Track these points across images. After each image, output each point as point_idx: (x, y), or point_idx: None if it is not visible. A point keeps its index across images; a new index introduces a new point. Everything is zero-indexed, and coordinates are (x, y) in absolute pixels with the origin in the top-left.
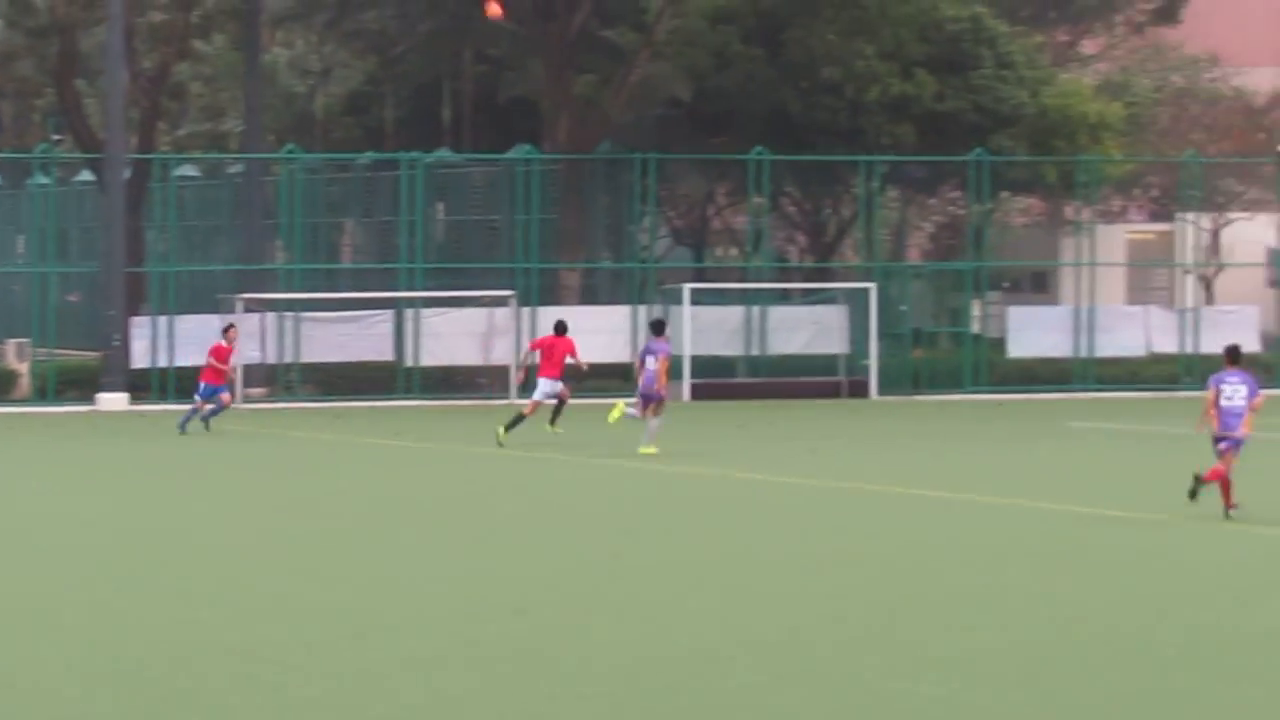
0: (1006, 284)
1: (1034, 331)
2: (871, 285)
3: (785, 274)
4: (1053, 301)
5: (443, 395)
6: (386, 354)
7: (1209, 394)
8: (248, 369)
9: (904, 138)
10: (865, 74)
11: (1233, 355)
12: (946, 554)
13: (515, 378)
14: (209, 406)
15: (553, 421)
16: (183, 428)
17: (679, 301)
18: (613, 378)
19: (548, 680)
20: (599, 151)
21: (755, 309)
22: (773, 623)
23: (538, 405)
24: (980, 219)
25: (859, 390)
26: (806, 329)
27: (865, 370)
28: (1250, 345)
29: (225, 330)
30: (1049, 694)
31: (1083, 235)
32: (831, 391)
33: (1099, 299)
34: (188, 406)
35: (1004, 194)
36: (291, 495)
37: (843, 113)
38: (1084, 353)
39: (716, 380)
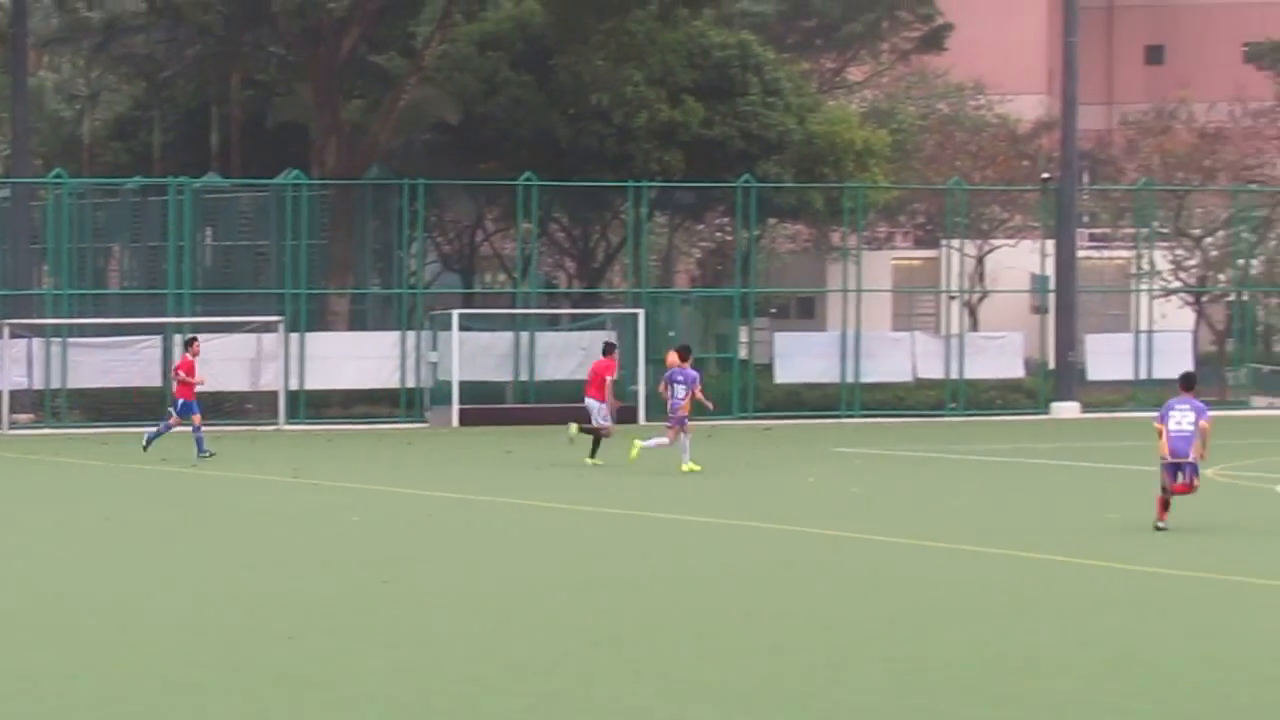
0: (773, 309)
1: (801, 357)
2: (639, 311)
3: (553, 300)
4: (819, 327)
5: (211, 421)
6: (155, 379)
7: (1158, 422)
8: (14, 395)
9: (672, 164)
10: (633, 100)
11: (1186, 382)
12: (715, 577)
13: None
14: (166, 423)
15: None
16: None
17: (447, 327)
18: (381, 404)
19: (317, 706)
20: (367, 176)
21: (524, 335)
22: (541, 647)
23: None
24: (747, 245)
25: (627, 416)
26: (574, 355)
27: (633, 396)
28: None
29: (189, 344)
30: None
31: (849, 261)
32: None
33: (865, 325)
34: None
35: (771, 220)
36: (55, 520)
37: (611, 139)
38: (850, 378)
39: (485, 406)
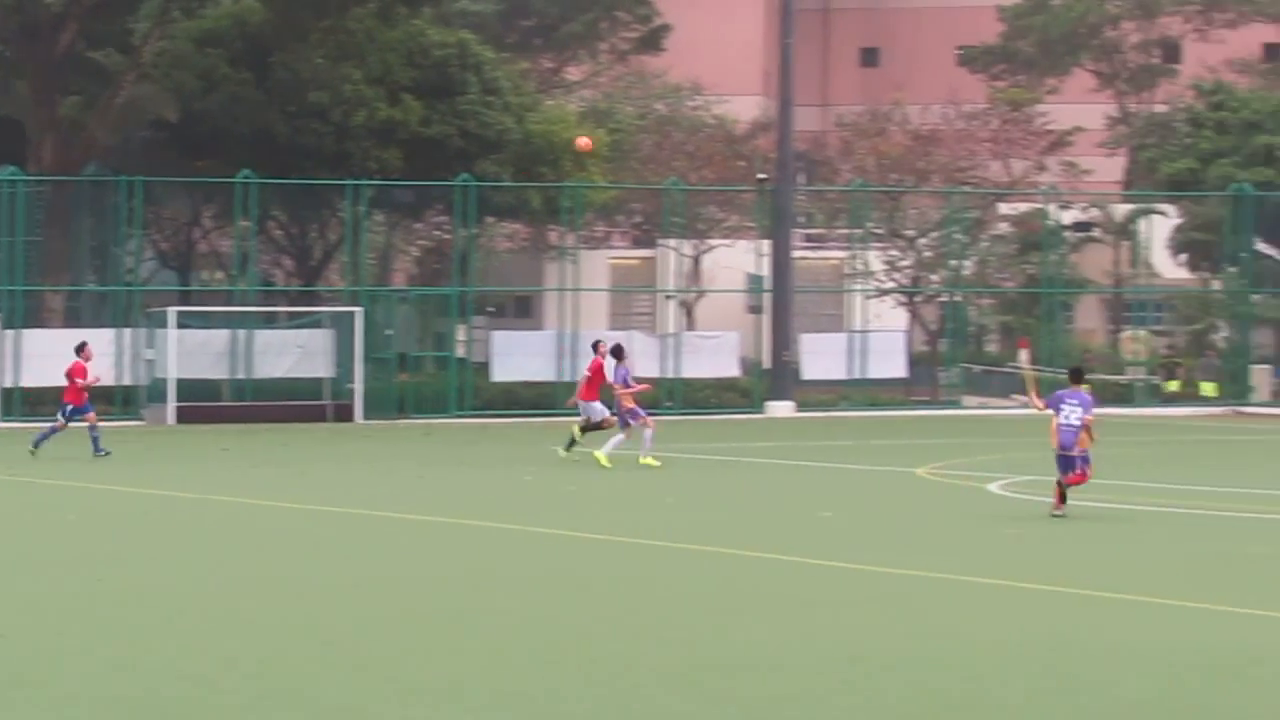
0: (491, 309)
1: (518, 356)
2: (357, 309)
3: (271, 297)
4: (537, 326)
5: None
6: None
7: (1052, 414)
8: None
9: (390, 162)
10: (352, 98)
11: (1075, 376)
12: (430, 576)
13: None
14: (54, 426)
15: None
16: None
17: (164, 325)
18: (97, 401)
19: (31, 705)
20: (85, 173)
21: (241, 332)
22: (256, 645)
23: (611, 421)
24: (465, 244)
25: (344, 414)
26: (292, 353)
27: (350, 394)
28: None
29: (80, 348)
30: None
31: (566, 261)
32: (317, 415)
33: (583, 324)
34: None
35: (489, 219)
36: None
37: (329, 137)
38: (567, 377)
39: (201, 404)
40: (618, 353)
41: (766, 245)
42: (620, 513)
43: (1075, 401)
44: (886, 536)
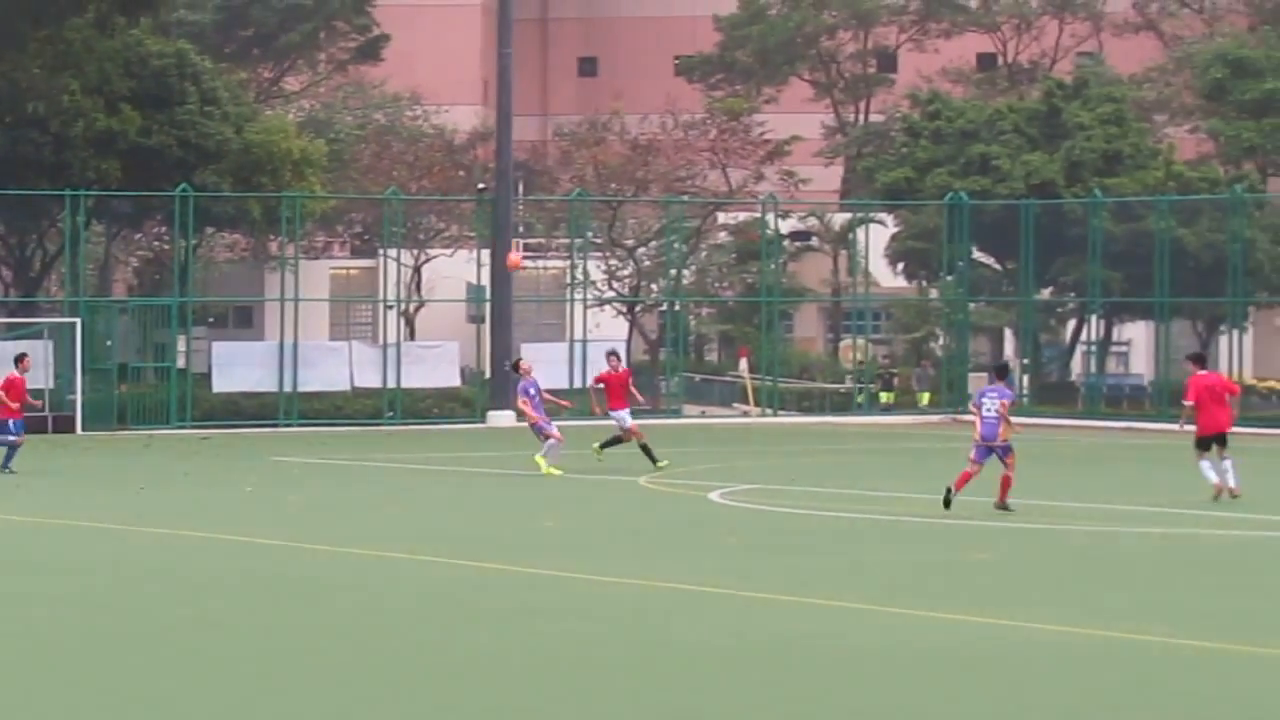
0: (212, 319)
1: (239, 366)
2: (77, 320)
3: None
4: (258, 336)
5: None
6: None
7: (973, 407)
8: None
9: (109, 172)
10: (70, 109)
11: (999, 371)
12: (149, 588)
13: None
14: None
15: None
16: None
17: None
18: None
19: None
20: None
21: None
22: None
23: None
24: (185, 254)
25: (65, 425)
26: (5, 364)
27: (71, 405)
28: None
29: (18, 359)
30: None
31: (287, 271)
32: (37, 426)
33: (303, 334)
34: None
35: (209, 229)
36: None
37: (48, 147)
38: (288, 387)
39: None
40: (516, 367)
41: (487, 255)
42: (342, 523)
43: (994, 394)
44: (608, 545)
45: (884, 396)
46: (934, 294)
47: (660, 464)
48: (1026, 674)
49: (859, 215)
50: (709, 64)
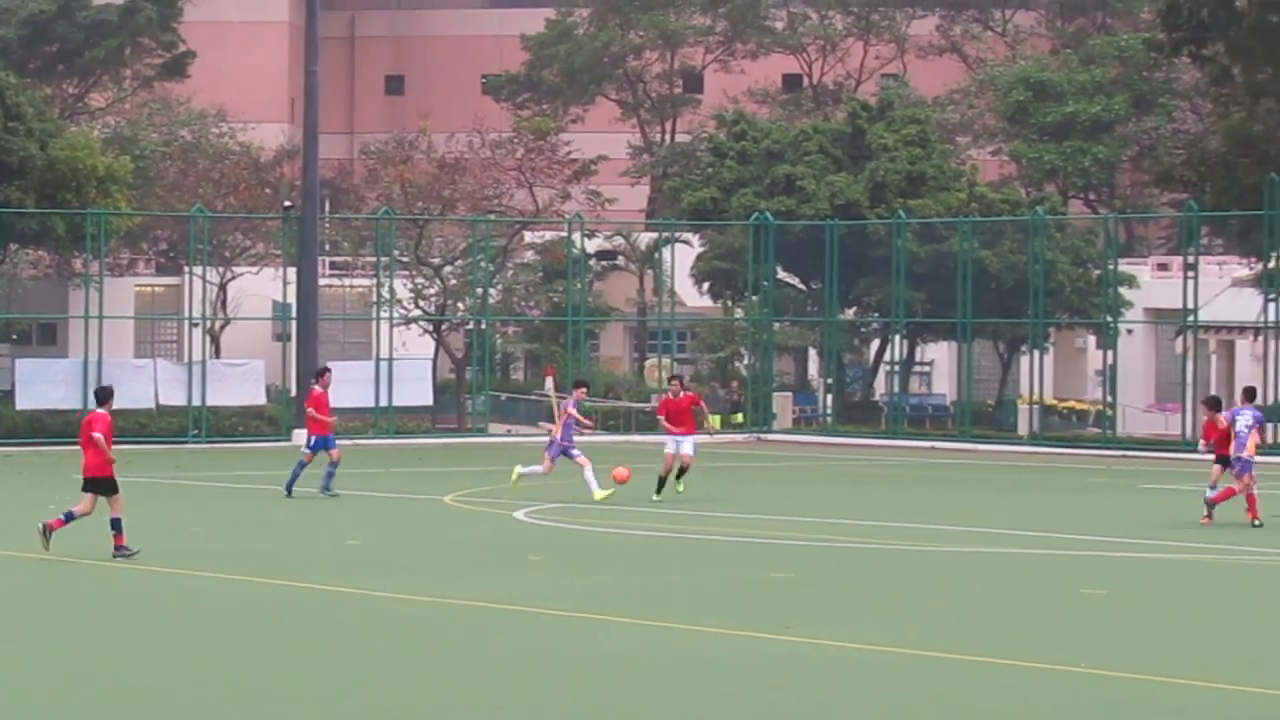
0: (15, 336)
1: (42, 384)
2: None
3: None
4: (62, 354)
5: None
6: None
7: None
8: None
9: None
10: None
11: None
12: None
13: None
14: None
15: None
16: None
17: None
18: None
19: None
20: None
21: None
22: None
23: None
24: None
25: None
26: None
27: None
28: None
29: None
30: None
31: (91, 288)
32: None
33: (108, 352)
34: None
35: (13, 246)
36: None
37: None
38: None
39: None
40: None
41: (292, 273)
42: (145, 542)
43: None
44: (414, 564)
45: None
46: (739, 314)
47: (676, 488)
48: (829, 691)
49: (665, 235)
50: (516, 83)
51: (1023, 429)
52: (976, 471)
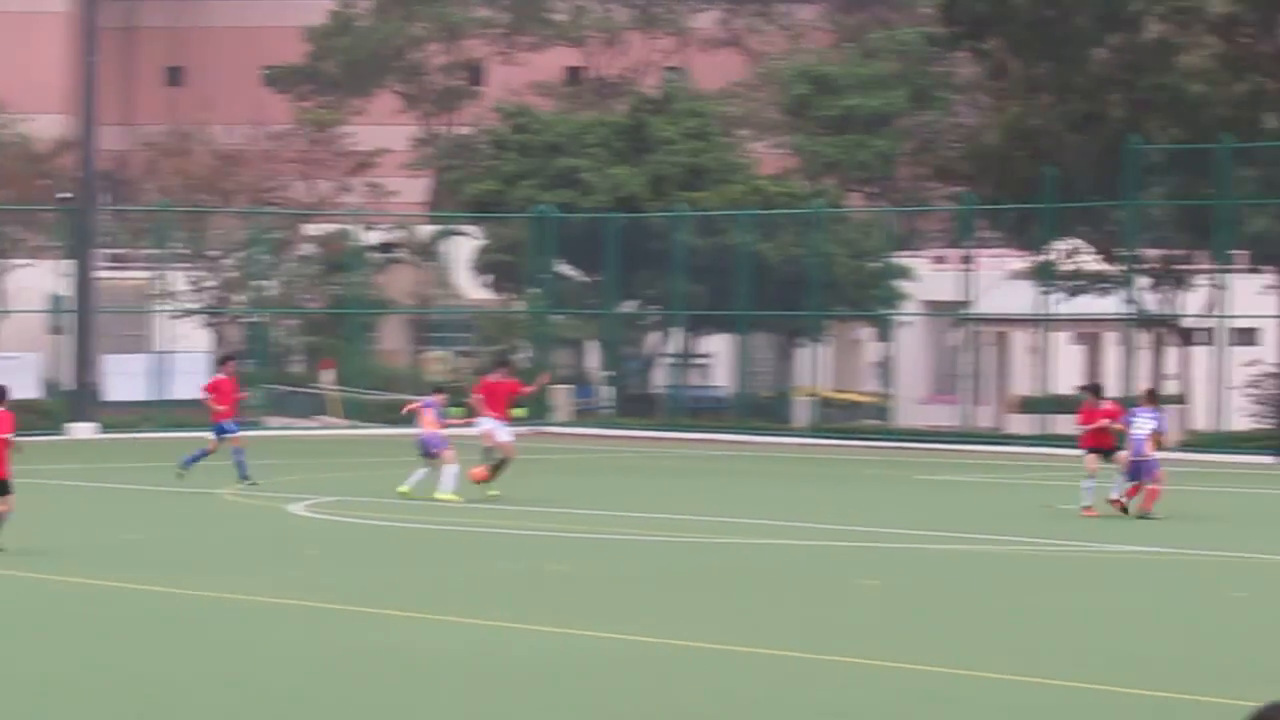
0: None
1: None
2: None
3: None
4: None
5: None
6: None
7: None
8: None
9: None
10: None
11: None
12: None
13: None
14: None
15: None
16: None
17: None
18: None
19: None
20: None
21: None
22: None
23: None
24: None
25: None
26: None
27: None
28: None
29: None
30: None
31: None
32: None
33: None
34: None
35: None
36: None
37: None
38: None
39: None
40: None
41: (69, 265)
42: None
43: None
44: (189, 558)
45: (455, 411)
46: (519, 306)
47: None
48: (603, 683)
49: (445, 227)
50: (297, 75)
51: (801, 421)
52: (755, 463)
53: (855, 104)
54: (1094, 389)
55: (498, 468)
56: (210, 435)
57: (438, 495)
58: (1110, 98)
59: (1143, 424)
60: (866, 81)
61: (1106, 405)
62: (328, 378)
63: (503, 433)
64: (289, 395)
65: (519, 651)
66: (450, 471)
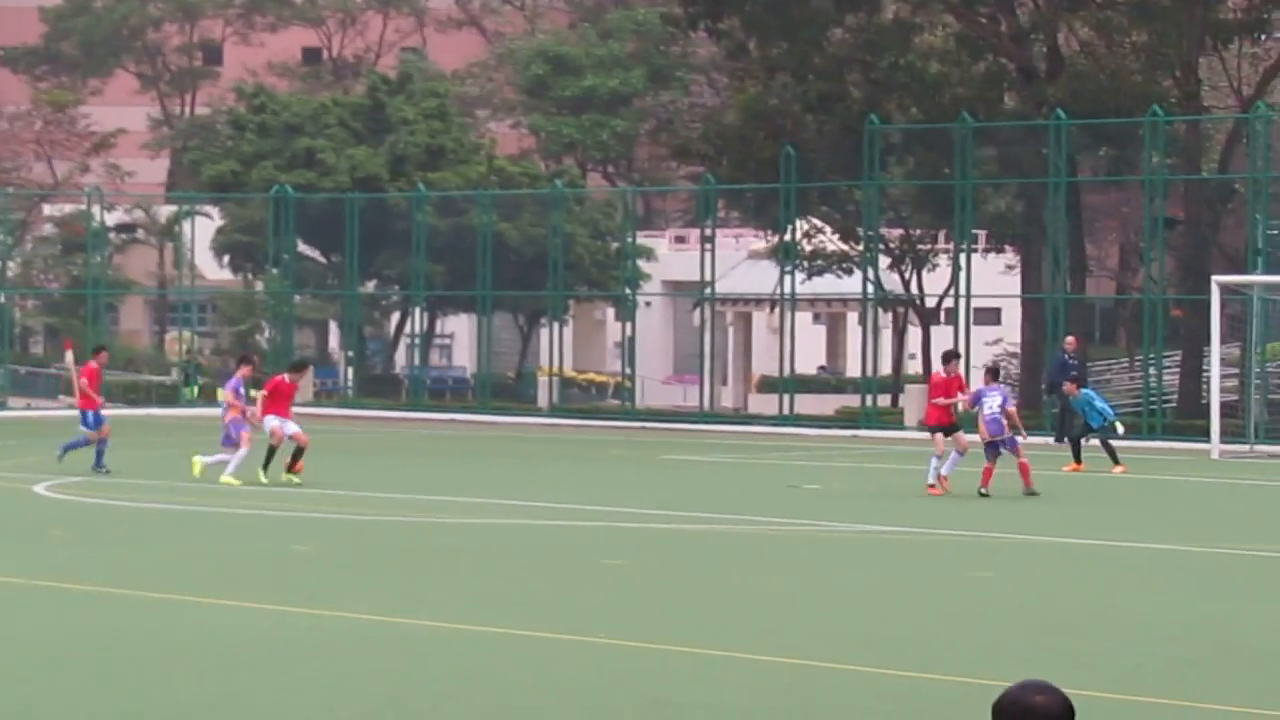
0: None
1: None
2: None
3: None
4: None
5: None
6: None
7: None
8: None
9: None
10: None
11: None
12: None
13: None
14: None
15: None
16: None
17: None
18: None
19: None
20: None
21: None
22: None
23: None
24: None
25: None
26: None
27: None
28: None
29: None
30: None
31: None
32: None
33: None
34: None
35: None
36: None
37: None
38: None
39: None
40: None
41: None
42: None
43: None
44: None
45: (190, 391)
46: (259, 287)
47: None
48: (349, 663)
49: (184, 208)
50: (34, 55)
51: (543, 401)
52: (497, 443)
53: (594, 84)
54: (949, 357)
55: (292, 456)
56: None
57: (223, 479)
58: (849, 78)
59: (993, 402)
60: (604, 61)
61: (958, 376)
62: (69, 358)
63: (289, 426)
64: (30, 376)
65: (264, 632)
66: (240, 456)
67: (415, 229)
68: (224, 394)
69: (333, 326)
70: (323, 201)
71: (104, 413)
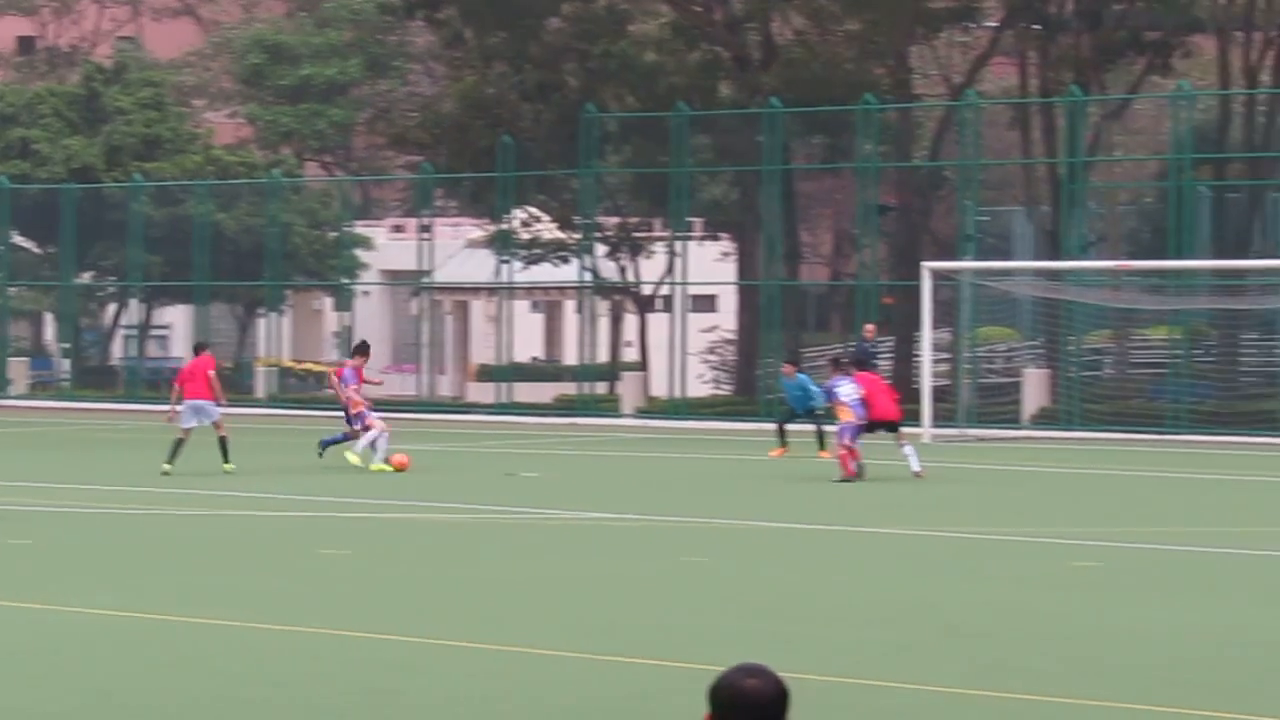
0: None
1: None
2: None
3: None
4: None
5: None
6: None
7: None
8: None
9: None
10: None
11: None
12: None
13: None
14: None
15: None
16: None
17: None
18: None
19: None
20: None
21: None
22: None
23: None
24: None
25: None
26: None
27: None
28: None
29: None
30: None
31: None
32: None
33: None
34: None
35: None
36: None
37: None
38: None
39: None
40: (363, 349)
41: None
42: None
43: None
44: None
45: None
46: None
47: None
48: (67, 657)
49: None
50: None
51: (261, 391)
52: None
53: (310, 73)
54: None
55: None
56: None
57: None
58: (566, 67)
59: (850, 392)
60: (321, 50)
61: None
62: None
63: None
64: None
65: None
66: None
67: (131, 219)
68: (342, 388)
69: (48, 318)
70: (37, 192)
71: None
